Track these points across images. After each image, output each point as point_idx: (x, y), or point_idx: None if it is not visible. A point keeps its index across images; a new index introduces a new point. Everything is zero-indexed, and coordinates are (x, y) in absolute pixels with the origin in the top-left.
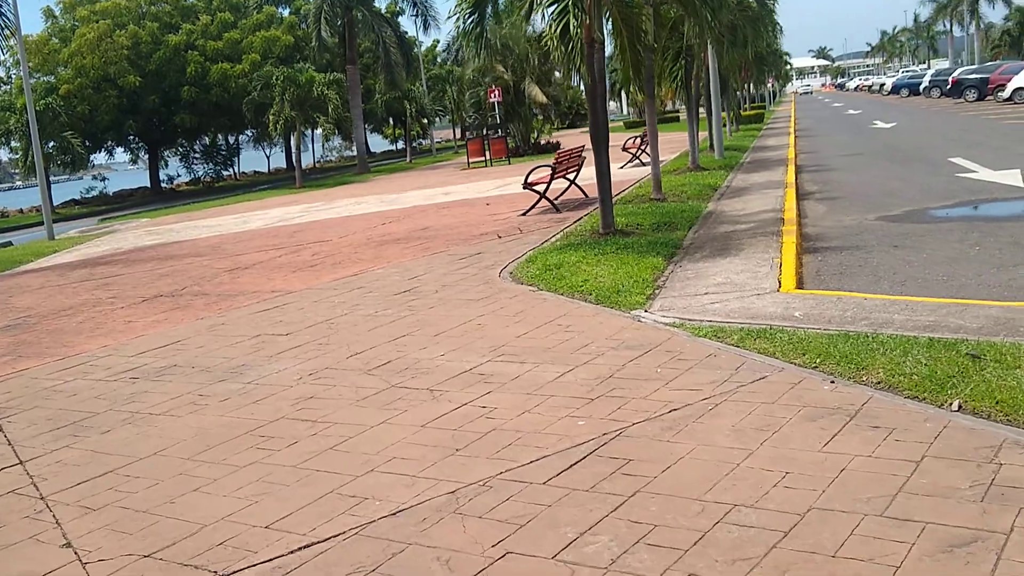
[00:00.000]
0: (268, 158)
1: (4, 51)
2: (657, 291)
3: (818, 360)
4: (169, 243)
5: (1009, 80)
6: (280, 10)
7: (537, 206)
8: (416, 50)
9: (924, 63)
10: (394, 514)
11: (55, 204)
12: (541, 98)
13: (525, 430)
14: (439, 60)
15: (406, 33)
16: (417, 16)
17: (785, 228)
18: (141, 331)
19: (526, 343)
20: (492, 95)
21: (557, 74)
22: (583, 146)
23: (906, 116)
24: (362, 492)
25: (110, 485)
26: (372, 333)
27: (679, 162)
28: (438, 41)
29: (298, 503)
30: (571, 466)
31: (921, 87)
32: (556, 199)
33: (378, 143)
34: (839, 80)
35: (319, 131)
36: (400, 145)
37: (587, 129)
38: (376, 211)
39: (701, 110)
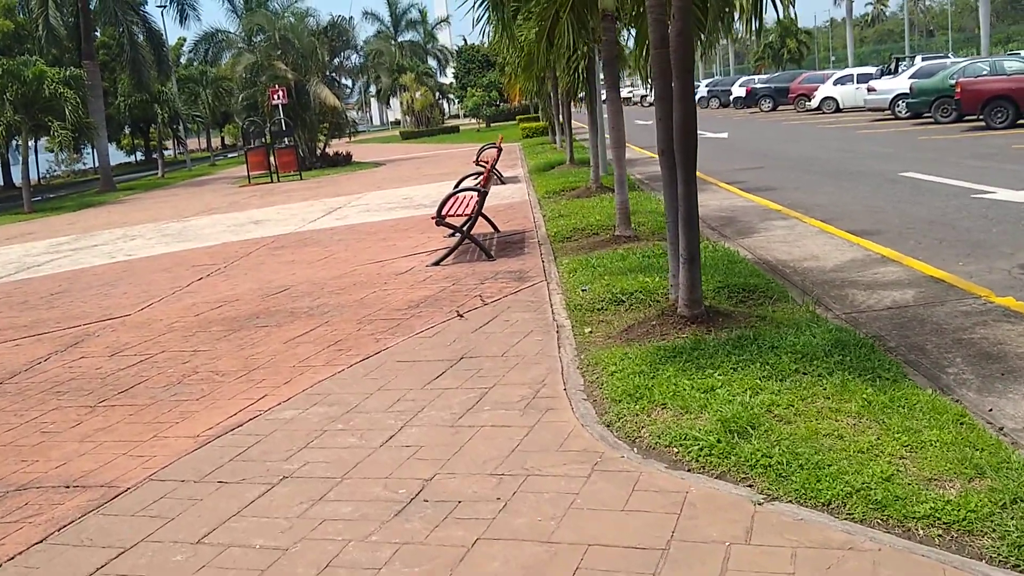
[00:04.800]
0: None
1: None
2: None
3: None
4: None
5: (814, 89)
6: None
7: (453, 248)
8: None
9: None
10: None
11: None
12: (332, 101)
13: None
14: (184, 60)
15: (154, 25)
16: (171, 5)
17: (1003, 301)
18: None
19: None
20: (274, 96)
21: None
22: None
23: (721, 126)
24: None
25: None
26: None
27: (562, 180)
28: (184, 39)
29: None
30: None
31: (697, 97)
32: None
33: (113, 154)
34: None
35: (42, 141)
36: (139, 157)
37: (361, 139)
38: (168, 252)
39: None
